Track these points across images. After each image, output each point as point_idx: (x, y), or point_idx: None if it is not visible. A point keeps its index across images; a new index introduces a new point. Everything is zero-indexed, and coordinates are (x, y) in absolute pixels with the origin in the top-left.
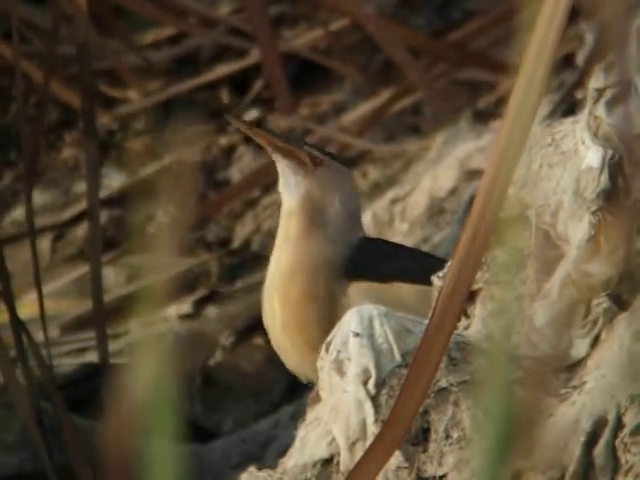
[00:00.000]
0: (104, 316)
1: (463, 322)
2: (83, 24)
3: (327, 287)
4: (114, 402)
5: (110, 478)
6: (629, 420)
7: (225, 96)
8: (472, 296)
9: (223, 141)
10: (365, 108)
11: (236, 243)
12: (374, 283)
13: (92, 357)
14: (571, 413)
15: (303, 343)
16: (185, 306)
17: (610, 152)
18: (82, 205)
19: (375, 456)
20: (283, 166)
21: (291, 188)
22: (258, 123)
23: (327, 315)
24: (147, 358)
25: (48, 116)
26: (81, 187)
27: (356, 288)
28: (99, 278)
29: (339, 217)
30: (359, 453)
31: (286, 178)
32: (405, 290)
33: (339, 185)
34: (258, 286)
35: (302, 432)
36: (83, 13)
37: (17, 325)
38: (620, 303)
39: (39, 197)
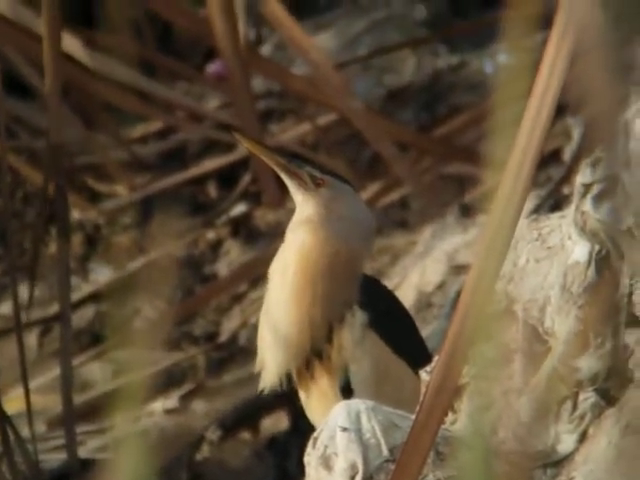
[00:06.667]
0: (73, 417)
1: (450, 417)
2: (57, 126)
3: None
4: None
5: None
6: None
7: (212, 190)
8: (459, 391)
9: (210, 235)
10: None
11: (223, 337)
12: (389, 348)
13: (80, 452)
14: None
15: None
16: (171, 401)
17: (597, 247)
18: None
19: None
20: (290, 185)
21: (300, 205)
22: (245, 217)
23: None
24: (131, 453)
25: (37, 212)
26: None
27: (374, 340)
28: (70, 381)
29: (350, 230)
30: None
31: (295, 196)
32: (406, 373)
33: (344, 202)
34: (245, 380)
35: None
36: (57, 115)
37: (3, 420)
38: (608, 398)
39: (26, 292)
